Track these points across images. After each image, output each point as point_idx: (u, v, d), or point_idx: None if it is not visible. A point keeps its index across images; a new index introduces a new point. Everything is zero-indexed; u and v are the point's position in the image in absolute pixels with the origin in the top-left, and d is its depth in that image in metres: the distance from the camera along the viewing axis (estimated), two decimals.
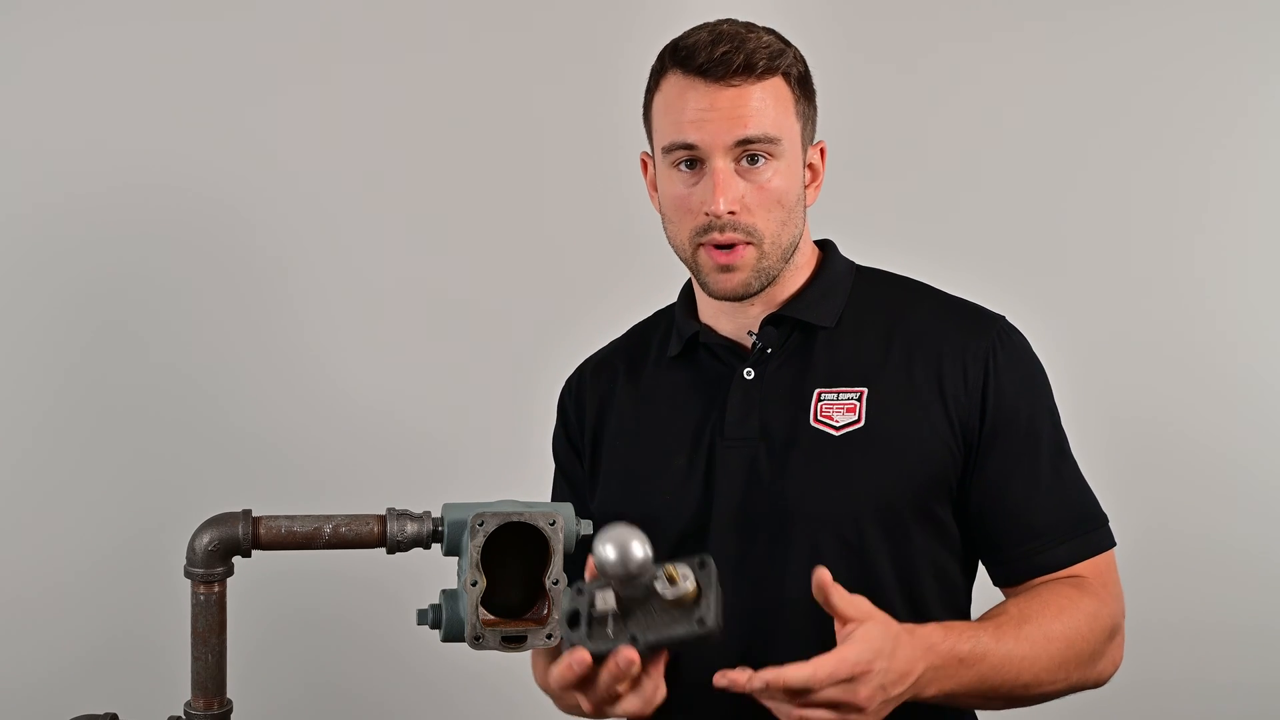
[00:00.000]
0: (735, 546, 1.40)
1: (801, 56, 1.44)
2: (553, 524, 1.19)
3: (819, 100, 1.49)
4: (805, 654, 1.21)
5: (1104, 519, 1.46)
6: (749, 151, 1.37)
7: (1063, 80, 2.39)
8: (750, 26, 1.42)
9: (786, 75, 1.39)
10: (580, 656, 1.18)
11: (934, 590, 1.42)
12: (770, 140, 1.37)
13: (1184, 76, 2.38)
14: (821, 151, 1.47)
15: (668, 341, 1.54)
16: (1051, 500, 1.42)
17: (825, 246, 1.54)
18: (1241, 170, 2.37)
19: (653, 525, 1.42)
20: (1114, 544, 1.45)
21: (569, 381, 1.64)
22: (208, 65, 2.30)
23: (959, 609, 1.46)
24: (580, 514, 1.56)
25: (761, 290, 1.43)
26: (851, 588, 1.35)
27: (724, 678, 1.16)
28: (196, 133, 2.30)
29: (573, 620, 1.22)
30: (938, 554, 1.42)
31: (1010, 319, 1.50)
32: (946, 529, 1.42)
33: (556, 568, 1.19)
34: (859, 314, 1.46)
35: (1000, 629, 1.31)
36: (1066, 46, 2.39)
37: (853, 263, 1.54)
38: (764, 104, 1.37)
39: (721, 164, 1.37)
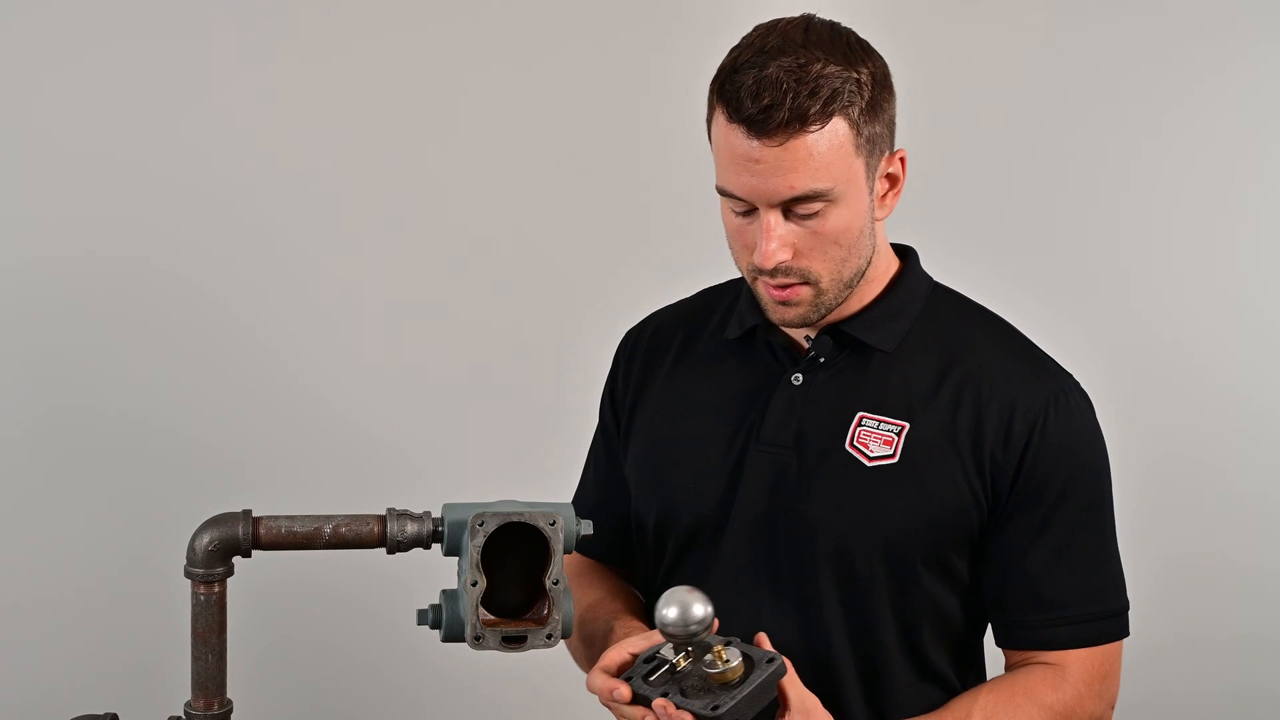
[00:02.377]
0: (746, 552, 1.39)
1: (873, 70, 1.29)
2: (553, 524, 1.19)
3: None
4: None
5: (1121, 608, 1.40)
6: (799, 204, 1.28)
7: (1098, 93, 2.39)
8: (809, 49, 1.26)
9: (846, 111, 1.26)
10: (622, 694, 1.23)
11: (934, 634, 1.39)
12: (821, 193, 1.27)
13: (1229, 102, 2.38)
14: (901, 160, 1.35)
15: (729, 319, 1.48)
16: (1068, 577, 1.37)
17: (906, 256, 1.45)
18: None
19: (672, 514, 1.44)
20: (1124, 635, 1.40)
21: (629, 335, 1.58)
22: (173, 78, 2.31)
23: (961, 654, 1.43)
24: (611, 471, 1.56)
25: (823, 318, 1.37)
26: (845, 619, 1.37)
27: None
28: (192, 135, 2.30)
29: (651, 656, 1.26)
30: (944, 599, 1.39)
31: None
32: (959, 576, 1.39)
33: (556, 568, 1.19)
34: (922, 340, 1.40)
35: None
36: (1091, 68, 2.40)
37: (931, 281, 1.45)
38: (813, 155, 1.25)
39: (770, 216, 1.28)
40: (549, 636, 1.21)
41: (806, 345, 1.41)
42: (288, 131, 2.32)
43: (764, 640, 1.26)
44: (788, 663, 1.23)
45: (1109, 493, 1.41)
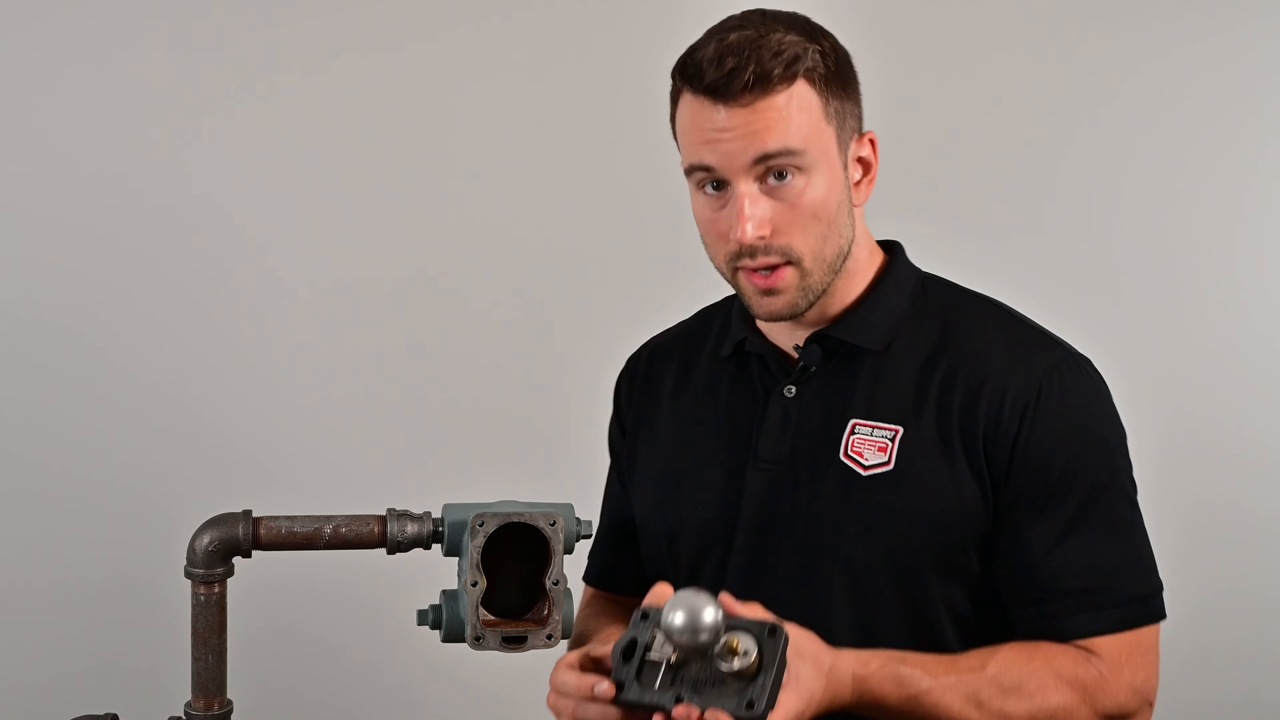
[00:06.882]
0: (753, 569, 1.37)
1: (833, 46, 1.29)
2: (553, 524, 1.20)
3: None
4: None
5: (1149, 591, 1.31)
6: (773, 167, 1.25)
7: (1114, 94, 2.41)
8: (767, 24, 1.27)
9: (810, 76, 1.26)
10: (605, 690, 1.12)
11: (953, 634, 1.33)
12: (793, 153, 1.25)
13: (1230, 90, 2.40)
14: (871, 142, 1.33)
15: (724, 338, 1.46)
16: (1078, 563, 1.29)
17: (891, 250, 1.41)
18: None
19: (678, 537, 1.42)
20: (1157, 618, 1.31)
21: (628, 363, 1.56)
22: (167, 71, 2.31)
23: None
24: (622, 503, 1.52)
25: (810, 308, 1.33)
26: (854, 629, 1.30)
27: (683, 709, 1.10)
28: (184, 139, 2.30)
29: (629, 650, 1.14)
30: (958, 600, 1.33)
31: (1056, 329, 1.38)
32: (971, 576, 1.33)
33: (557, 568, 1.19)
34: (912, 335, 1.35)
35: (947, 692, 1.23)
36: (1090, 65, 2.39)
37: (918, 272, 1.41)
38: (783, 116, 1.24)
39: (744, 188, 1.26)
40: (549, 637, 1.21)
41: (796, 355, 1.38)
42: (297, 132, 2.33)
43: (757, 607, 1.16)
44: (789, 627, 1.13)
45: (1123, 468, 1.33)
